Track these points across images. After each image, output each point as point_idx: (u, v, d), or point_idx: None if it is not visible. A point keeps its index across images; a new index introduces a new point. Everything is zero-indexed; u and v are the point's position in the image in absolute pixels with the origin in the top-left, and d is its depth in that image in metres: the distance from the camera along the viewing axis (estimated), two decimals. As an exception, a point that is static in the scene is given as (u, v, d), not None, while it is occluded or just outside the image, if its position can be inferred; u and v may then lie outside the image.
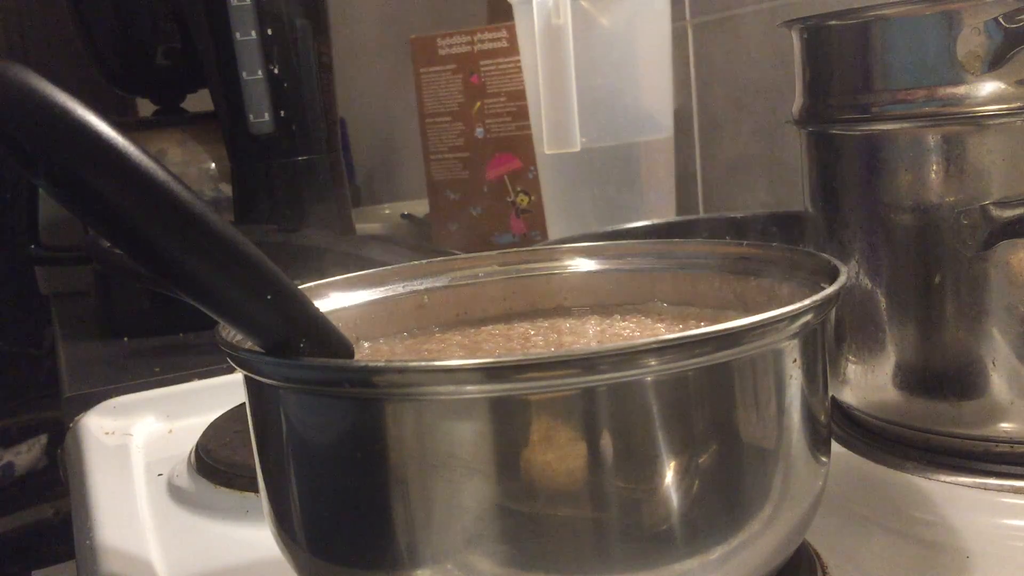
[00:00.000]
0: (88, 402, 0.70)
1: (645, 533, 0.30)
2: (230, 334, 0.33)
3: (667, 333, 0.36)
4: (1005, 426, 0.44)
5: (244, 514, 0.49)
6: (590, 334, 0.42)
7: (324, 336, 0.31)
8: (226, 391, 0.66)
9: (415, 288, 0.45)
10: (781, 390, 0.32)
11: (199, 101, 1.07)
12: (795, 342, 0.32)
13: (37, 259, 1.17)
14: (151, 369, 0.77)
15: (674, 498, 0.30)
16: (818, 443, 0.34)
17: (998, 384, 0.43)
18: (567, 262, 0.46)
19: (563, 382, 0.28)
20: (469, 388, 0.29)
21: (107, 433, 0.65)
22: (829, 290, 0.32)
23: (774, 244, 0.41)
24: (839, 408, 0.51)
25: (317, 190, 0.95)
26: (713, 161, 0.95)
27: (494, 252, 0.47)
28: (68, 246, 1.12)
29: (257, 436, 0.35)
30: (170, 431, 0.66)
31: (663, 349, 0.28)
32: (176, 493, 0.54)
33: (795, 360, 0.32)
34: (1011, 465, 0.44)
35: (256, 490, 0.36)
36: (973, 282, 0.43)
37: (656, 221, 0.74)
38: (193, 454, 0.56)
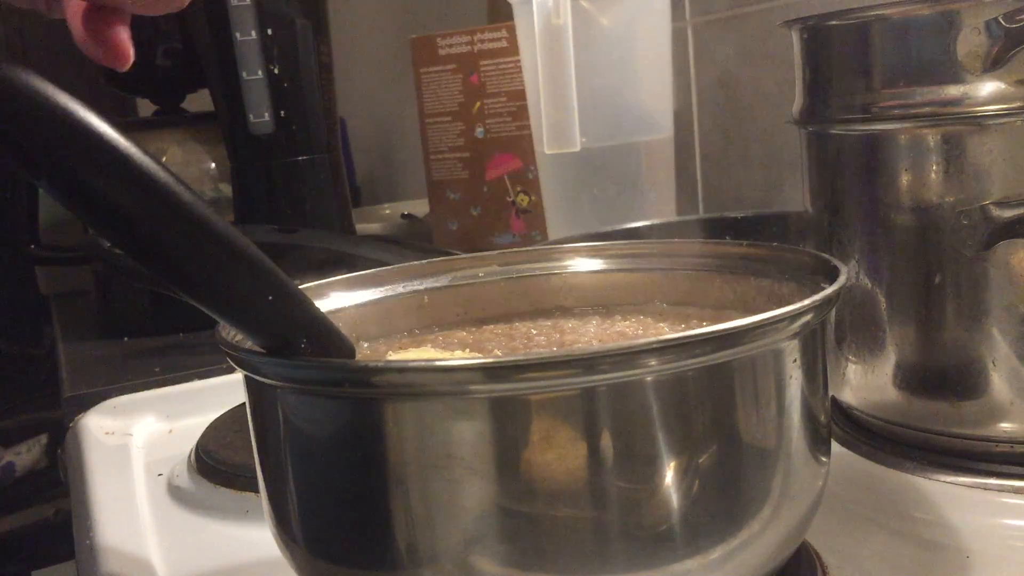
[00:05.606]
0: (88, 402, 0.70)
1: (645, 533, 0.30)
2: (230, 334, 0.33)
3: (668, 333, 0.36)
4: (1005, 426, 0.44)
5: (244, 514, 0.49)
6: (592, 334, 0.42)
7: (324, 336, 0.31)
8: (226, 391, 0.66)
9: (415, 288, 0.45)
10: (781, 390, 0.32)
11: (199, 101, 1.07)
12: (795, 342, 0.32)
13: (37, 259, 1.17)
14: (151, 369, 0.77)
15: (674, 498, 0.30)
16: (818, 443, 0.34)
17: (998, 384, 0.43)
18: (567, 262, 0.46)
19: (563, 382, 0.28)
20: (469, 388, 0.29)
21: (107, 433, 0.65)
22: (829, 290, 0.32)
23: (774, 244, 0.41)
24: (839, 408, 0.51)
25: (317, 190, 0.95)
26: (713, 161, 0.95)
27: (494, 252, 0.47)
28: (68, 246, 1.12)
29: (257, 436, 0.35)
30: (170, 431, 0.66)
31: (663, 349, 0.28)
32: (176, 493, 0.54)
33: (795, 360, 0.32)
34: (1011, 465, 0.44)
35: (256, 490, 0.36)
36: (973, 282, 0.43)
37: (656, 221, 0.74)
38: (193, 454, 0.56)
